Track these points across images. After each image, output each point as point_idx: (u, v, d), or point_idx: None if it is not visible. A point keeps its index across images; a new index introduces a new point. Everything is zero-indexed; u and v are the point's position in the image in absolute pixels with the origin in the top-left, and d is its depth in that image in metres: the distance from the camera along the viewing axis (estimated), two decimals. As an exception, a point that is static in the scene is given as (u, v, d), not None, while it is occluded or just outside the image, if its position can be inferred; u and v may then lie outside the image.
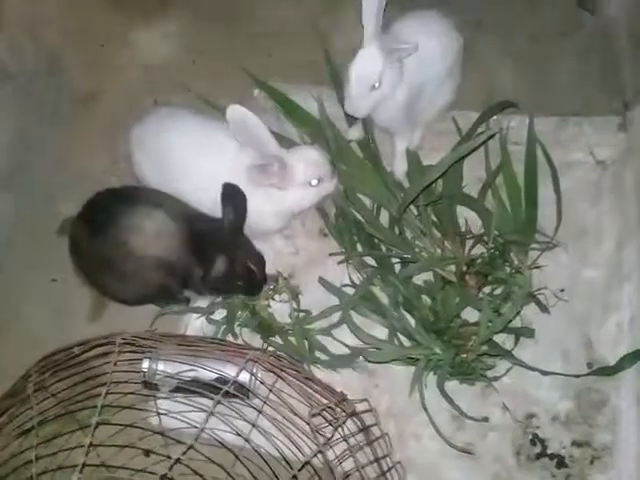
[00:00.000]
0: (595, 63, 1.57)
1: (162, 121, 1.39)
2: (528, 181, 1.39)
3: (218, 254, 1.29)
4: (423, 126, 1.49)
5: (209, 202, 1.30)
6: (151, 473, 0.88)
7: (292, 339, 1.32)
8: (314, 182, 1.34)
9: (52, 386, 1.06)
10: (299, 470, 0.90)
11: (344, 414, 1.02)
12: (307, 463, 0.91)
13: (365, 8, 1.24)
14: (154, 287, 1.32)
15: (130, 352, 1.05)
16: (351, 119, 1.50)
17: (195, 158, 1.33)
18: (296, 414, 0.99)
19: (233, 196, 1.27)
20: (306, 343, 1.31)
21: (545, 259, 1.35)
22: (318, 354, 1.31)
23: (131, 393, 1.17)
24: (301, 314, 1.35)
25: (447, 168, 1.27)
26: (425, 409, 1.19)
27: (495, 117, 1.47)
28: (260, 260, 1.34)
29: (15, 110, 1.59)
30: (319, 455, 0.94)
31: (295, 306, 1.36)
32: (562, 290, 1.34)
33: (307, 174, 1.33)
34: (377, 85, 1.28)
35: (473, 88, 1.51)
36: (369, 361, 1.23)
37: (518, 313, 1.21)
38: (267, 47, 1.69)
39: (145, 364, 1.20)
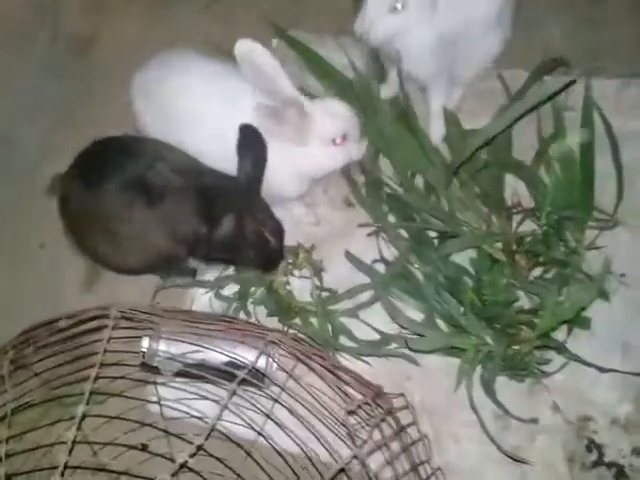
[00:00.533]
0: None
1: (167, 64, 1.23)
2: (584, 151, 1.23)
3: (226, 212, 1.12)
4: (464, 84, 1.33)
5: (219, 156, 1.15)
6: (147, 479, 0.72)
7: (313, 321, 1.16)
8: (338, 140, 1.16)
9: (32, 365, 0.90)
10: (332, 478, 0.74)
11: (380, 411, 0.87)
12: (342, 471, 0.75)
13: None
14: (155, 254, 1.16)
15: (127, 328, 0.92)
16: (382, 74, 1.34)
17: (205, 106, 1.17)
18: (324, 407, 0.84)
19: (252, 142, 1.11)
20: (329, 326, 1.15)
21: (603, 239, 1.20)
22: (342, 340, 1.16)
23: (124, 377, 1.03)
24: (324, 293, 1.19)
25: (502, 129, 1.10)
26: (473, 408, 1.04)
27: (548, 78, 1.31)
28: (278, 230, 1.16)
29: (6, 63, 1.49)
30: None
31: (317, 283, 1.19)
32: (623, 275, 1.19)
33: (330, 129, 1.15)
34: (400, 6, 1.11)
35: (522, 44, 1.34)
36: (410, 349, 1.06)
37: (591, 300, 1.05)
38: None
39: (144, 343, 1.07)
